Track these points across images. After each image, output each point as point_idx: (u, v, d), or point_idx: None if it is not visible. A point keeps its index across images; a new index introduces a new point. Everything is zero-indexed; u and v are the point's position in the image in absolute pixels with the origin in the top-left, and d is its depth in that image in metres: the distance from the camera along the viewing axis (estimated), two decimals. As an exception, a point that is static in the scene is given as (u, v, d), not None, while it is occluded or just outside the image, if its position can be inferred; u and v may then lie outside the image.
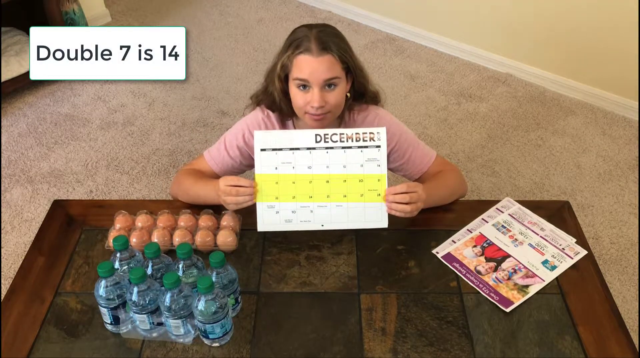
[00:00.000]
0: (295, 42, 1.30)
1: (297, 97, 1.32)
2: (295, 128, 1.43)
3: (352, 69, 1.34)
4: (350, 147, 1.25)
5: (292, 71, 1.31)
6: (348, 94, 1.38)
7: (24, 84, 2.85)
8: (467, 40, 3.11)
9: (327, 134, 1.26)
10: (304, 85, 1.30)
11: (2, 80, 2.73)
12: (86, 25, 3.15)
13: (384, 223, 1.26)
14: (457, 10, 3.06)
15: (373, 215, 1.26)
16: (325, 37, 1.29)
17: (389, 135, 1.41)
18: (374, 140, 1.24)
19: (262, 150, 1.27)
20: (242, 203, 1.27)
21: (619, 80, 2.70)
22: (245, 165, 1.48)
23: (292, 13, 3.55)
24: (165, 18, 3.53)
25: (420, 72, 3.05)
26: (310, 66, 1.28)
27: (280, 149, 1.27)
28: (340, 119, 1.43)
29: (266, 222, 1.28)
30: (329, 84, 1.29)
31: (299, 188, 1.26)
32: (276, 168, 1.27)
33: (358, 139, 1.25)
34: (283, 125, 1.44)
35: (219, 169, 1.45)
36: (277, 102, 1.39)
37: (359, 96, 1.42)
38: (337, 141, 1.26)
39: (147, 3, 3.68)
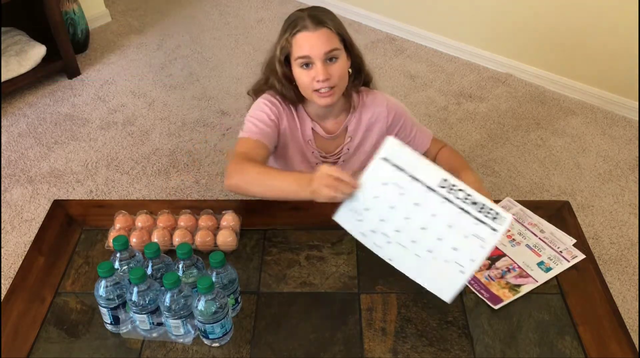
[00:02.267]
0: (292, 24, 1.35)
1: (302, 76, 1.35)
2: (307, 114, 1.46)
3: (347, 42, 1.37)
4: (468, 212, 1.07)
5: (293, 52, 1.35)
6: (349, 70, 1.41)
7: (24, 84, 2.85)
8: (467, 40, 3.11)
9: (455, 185, 1.09)
10: (307, 64, 1.33)
11: (2, 80, 2.73)
12: (86, 25, 3.15)
13: (446, 297, 1.09)
14: (457, 10, 3.06)
15: (443, 284, 1.09)
16: (318, 14, 1.35)
17: (399, 114, 1.50)
18: (495, 221, 1.06)
19: (383, 159, 1.11)
20: (335, 198, 1.13)
21: (619, 80, 2.70)
22: (277, 136, 1.45)
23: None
24: (165, 18, 3.53)
25: (420, 72, 3.05)
26: (309, 42, 1.32)
27: (401, 170, 1.10)
28: (349, 103, 1.47)
29: (343, 218, 1.14)
30: (330, 57, 1.33)
31: (392, 216, 1.10)
32: (384, 184, 1.11)
33: (481, 209, 1.07)
34: (295, 108, 1.46)
35: (265, 139, 1.40)
36: (279, 90, 1.42)
37: (356, 72, 1.45)
38: (459, 197, 1.08)
39: (147, 3, 3.68)
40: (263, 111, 1.43)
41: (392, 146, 1.11)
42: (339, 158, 1.53)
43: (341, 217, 1.14)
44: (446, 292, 1.09)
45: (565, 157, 2.52)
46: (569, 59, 2.81)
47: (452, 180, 1.09)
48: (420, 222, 1.09)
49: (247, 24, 3.46)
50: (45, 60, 2.89)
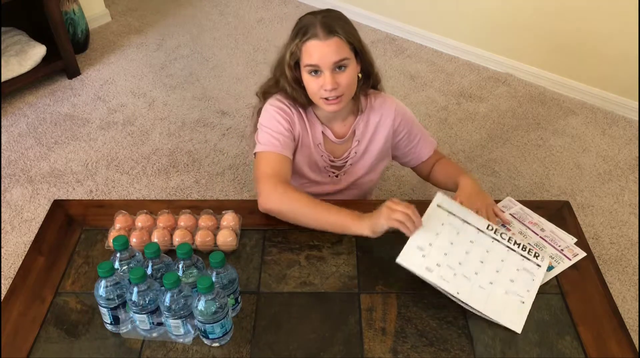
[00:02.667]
0: (302, 30, 1.34)
1: (311, 83, 1.35)
2: (317, 116, 1.46)
3: (358, 50, 1.37)
4: (514, 251, 1.24)
5: (302, 58, 1.35)
6: (359, 75, 1.41)
7: (24, 84, 2.85)
8: (467, 40, 3.11)
9: (499, 230, 1.26)
10: (316, 71, 1.34)
11: (2, 80, 2.73)
12: (86, 25, 3.15)
13: (517, 328, 1.14)
14: (457, 10, 3.06)
15: (510, 315, 1.16)
16: (331, 21, 1.33)
17: (406, 120, 1.51)
18: (537, 258, 1.23)
19: (438, 205, 1.27)
20: (404, 223, 1.20)
21: (619, 80, 2.70)
22: (294, 143, 1.46)
23: (292, 13, 3.55)
24: (165, 18, 3.53)
25: (420, 72, 3.05)
26: (318, 51, 1.31)
27: (454, 215, 1.26)
28: (357, 106, 1.47)
29: (408, 257, 1.20)
30: (339, 66, 1.33)
31: (454, 250, 1.22)
32: (442, 224, 1.25)
33: (524, 249, 1.24)
34: (305, 111, 1.46)
35: (288, 151, 1.41)
36: (290, 93, 1.41)
37: (366, 77, 1.45)
38: (505, 239, 1.25)
39: (147, 3, 3.68)
40: (278, 121, 1.42)
41: (443, 197, 1.28)
42: (346, 161, 1.52)
43: (405, 257, 1.20)
44: (515, 323, 1.14)
45: (565, 157, 2.52)
46: (569, 59, 2.81)
47: (495, 226, 1.27)
48: (478, 256, 1.22)
49: (247, 24, 3.46)
50: (45, 60, 2.89)
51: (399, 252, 1.29)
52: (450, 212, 1.27)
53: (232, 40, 3.32)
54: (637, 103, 2.67)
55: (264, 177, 1.35)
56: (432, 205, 1.27)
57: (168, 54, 3.21)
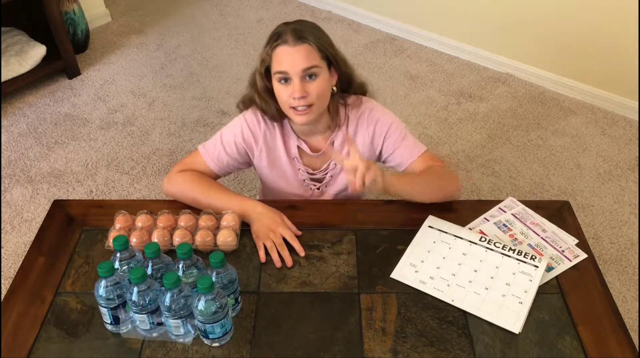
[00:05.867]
0: (273, 37, 1.32)
1: (280, 91, 1.33)
2: (292, 128, 1.43)
3: (331, 59, 1.34)
4: (509, 256, 1.26)
5: (272, 65, 1.32)
6: (334, 88, 1.38)
7: (24, 84, 2.85)
8: (467, 40, 3.11)
9: (492, 240, 1.29)
10: (285, 79, 1.31)
11: (2, 80, 2.73)
12: (86, 25, 3.15)
13: (515, 329, 1.13)
14: (457, 10, 3.06)
15: (507, 317, 1.15)
16: (302, 28, 1.32)
17: (380, 126, 1.44)
18: (533, 260, 1.24)
19: (429, 226, 1.34)
20: (271, 248, 1.28)
21: (619, 80, 2.70)
22: (241, 163, 1.47)
23: (292, 13, 3.55)
24: (165, 18, 3.53)
25: (420, 72, 3.05)
26: (287, 57, 1.29)
27: (445, 232, 1.32)
28: (335, 121, 1.42)
29: (401, 273, 1.25)
30: (309, 74, 1.30)
31: (447, 264, 1.25)
32: (434, 242, 1.30)
33: (519, 254, 1.26)
34: (280, 125, 1.43)
35: (215, 165, 1.44)
36: (259, 104, 1.39)
37: (346, 86, 1.42)
38: (499, 248, 1.28)
39: (147, 3, 3.69)
40: (235, 136, 1.42)
41: (433, 219, 1.35)
42: (326, 173, 1.48)
43: (399, 273, 1.24)
44: (513, 323, 1.14)
45: (565, 157, 2.52)
46: (569, 58, 2.81)
47: (487, 237, 1.30)
48: (471, 266, 1.25)
49: (247, 24, 3.46)
50: (45, 60, 2.89)
51: (400, 251, 1.30)
52: (441, 231, 1.32)
53: (232, 40, 3.32)
54: (637, 103, 2.67)
55: (179, 165, 1.45)
56: (424, 226, 1.33)
57: (168, 54, 3.21)
